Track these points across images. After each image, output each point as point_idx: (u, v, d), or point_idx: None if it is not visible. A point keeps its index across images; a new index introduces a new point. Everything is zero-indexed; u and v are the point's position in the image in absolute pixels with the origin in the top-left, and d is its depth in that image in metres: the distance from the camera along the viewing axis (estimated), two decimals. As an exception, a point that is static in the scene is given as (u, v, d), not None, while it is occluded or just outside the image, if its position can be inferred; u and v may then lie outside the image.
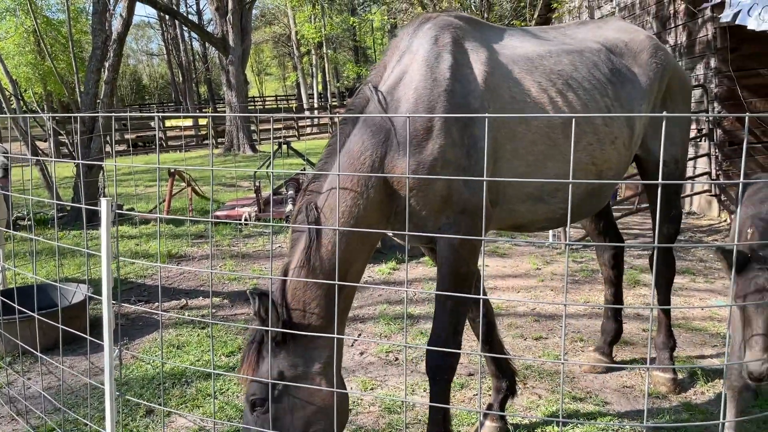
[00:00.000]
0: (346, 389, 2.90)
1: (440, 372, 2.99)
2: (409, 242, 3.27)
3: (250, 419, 2.72)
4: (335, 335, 2.72)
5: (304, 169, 9.98)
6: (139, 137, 24.31)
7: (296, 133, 27.77)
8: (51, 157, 8.01)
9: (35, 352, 3.74)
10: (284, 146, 11.48)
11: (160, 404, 3.65)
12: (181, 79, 41.61)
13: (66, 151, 15.62)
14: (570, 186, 2.12)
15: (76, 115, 3.60)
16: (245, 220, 9.30)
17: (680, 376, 4.21)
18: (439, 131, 2.87)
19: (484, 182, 2.51)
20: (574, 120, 2.14)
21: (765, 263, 2.69)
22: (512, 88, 3.18)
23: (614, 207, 8.87)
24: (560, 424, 2.32)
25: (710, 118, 8.92)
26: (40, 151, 11.60)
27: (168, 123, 28.57)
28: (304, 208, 2.85)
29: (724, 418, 3.05)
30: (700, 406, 3.87)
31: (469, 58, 3.09)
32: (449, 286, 2.96)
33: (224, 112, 24.06)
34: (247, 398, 2.73)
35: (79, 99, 10.95)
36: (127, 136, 22.84)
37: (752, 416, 3.51)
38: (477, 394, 4.03)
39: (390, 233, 3.18)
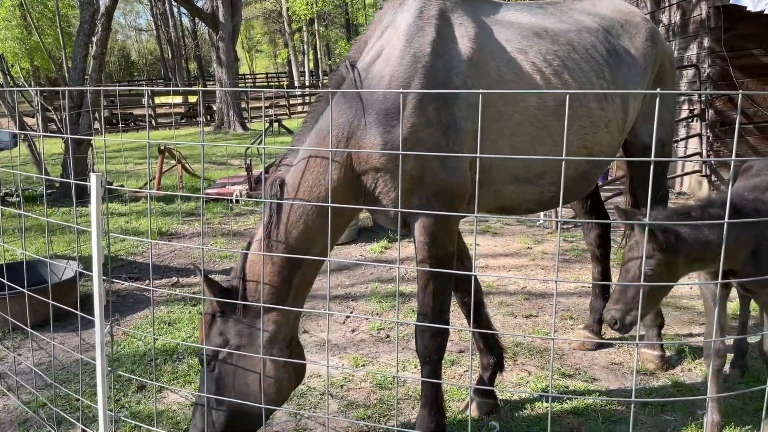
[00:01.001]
0: (304, 359, 3.05)
1: (430, 352, 3.01)
2: (385, 223, 3.24)
3: (203, 374, 2.94)
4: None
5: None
6: (114, 114, 22.66)
7: (287, 111, 27.58)
8: (39, 133, 7.91)
9: (26, 328, 3.73)
10: (275, 124, 11.40)
11: (151, 380, 3.66)
12: (170, 55, 41.13)
13: (54, 127, 15.45)
14: (562, 166, 2.11)
15: (64, 89, 3.55)
16: (236, 198, 9.26)
17: (668, 353, 4.26)
18: (412, 110, 2.78)
19: (477, 160, 2.51)
20: (567, 100, 2.13)
21: (641, 220, 2.83)
22: (501, 67, 3.09)
23: (605, 187, 8.90)
24: (549, 399, 2.34)
25: (702, 98, 8.93)
26: (28, 127, 11.46)
27: (157, 100, 28.24)
28: (269, 184, 2.90)
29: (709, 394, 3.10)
30: (687, 383, 3.93)
31: (455, 32, 2.99)
32: (428, 272, 2.93)
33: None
34: (199, 354, 2.92)
35: (66, 74, 10.80)
36: (115, 112, 22.49)
37: (738, 392, 3.57)
38: (467, 371, 4.07)
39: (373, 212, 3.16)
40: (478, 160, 2.86)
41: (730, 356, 3.94)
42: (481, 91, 2.25)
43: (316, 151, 2.85)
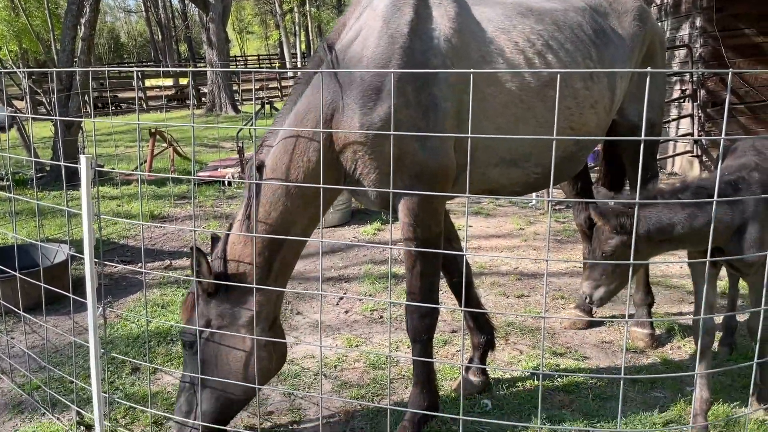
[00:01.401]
0: (284, 341, 3.10)
1: (420, 332, 3.03)
2: (368, 205, 3.23)
3: (185, 357, 2.99)
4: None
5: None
6: (101, 97, 22.03)
7: (279, 93, 27.39)
8: (28, 115, 7.82)
9: (18, 311, 3.73)
10: (267, 106, 11.33)
11: (145, 362, 3.67)
12: (160, 37, 40.69)
13: (44, 110, 15.32)
14: (549, 147, 2.11)
15: (52, 70, 3.51)
16: (229, 180, 9.23)
17: (658, 331, 4.30)
18: (390, 91, 2.76)
19: (467, 141, 2.50)
20: (558, 80, 2.13)
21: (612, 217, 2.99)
22: (482, 48, 3.07)
23: (596, 168, 8.91)
24: (541, 377, 2.37)
25: (694, 78, 8.93)
26: (17, 110, 11.35)
27: (147, 83, 27.93)
28: (249, 167, 2.94)
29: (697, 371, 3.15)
30: (676, 360, 3.98)
31: (433, 12, 2.97)
32: (414, 253, 2.93)
33: (205, 72, 23.47)
34: (181, 337, 2.96)
35: (55, 57, 10.68)
36: (105, 95, 22.21)
37: (726, 368, 3.62)
38: (459, 350, 4.10)
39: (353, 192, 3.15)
40: (469, 140, 2.85)
41: (719, 334, 3.99)
42: (472, 70, 2.24)
43: (294, 132, 2.86)
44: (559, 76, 2.11)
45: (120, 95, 25.09)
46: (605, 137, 3.80)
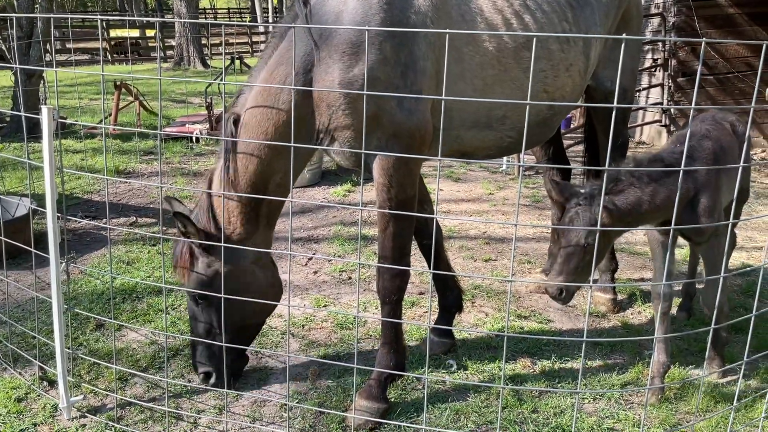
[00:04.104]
0: (278, 276, 3.33)
1: (389, 293, 3.05)
2: (342, 162, 3.20)
3: (196, 310, 3.16)
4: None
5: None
6: (59, 50, 21.03)
7: (249, 48, 26.79)
8: (-14, 64, 7.48)
9: (-23, 265, 3.64)
10: (237, 61, 11.07)
11: (110, 318, 3.63)
12: (126, -15, 39.21)
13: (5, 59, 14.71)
14: (525, 110, 2.10)
15: (11, 15, 3.37)
16: (196, 136, 9.05)
17: (620, 296, 4.41)
18: (368, 47, 2.71)
19: (441, 103, 2.48)
20: (534, 41, 2.11)
21: (583, 201, 2.93)
22: (462, 6, 3.04)
23: (567, 134, 8.97)
24: (505, 339, 2.41)
25: (666, 47, 8.98)
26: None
27: (113, 33, 26.93)
28: (225, 121, 3.01)
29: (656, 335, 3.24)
30: (636, 325, 4.09)
31: None
32: (388, 214, 2.93)
33: (173, 24, 22.76)
34: (188, 294, 3.14)
35: (15, 2, 10.21)
36: (69, 45, 21.34)
37: (683, 333, 3.74)
38: (427, 312, 4.15)
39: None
40: (443, 103, 2.82)
41: (678, 300, 4.11)
42: (447, 30, 2.20)
43: (266, 86, 2.87)
44: (535, 38, 2.10)
45: (69, 46, 23.96)
46: (579, 104, 3.80)
